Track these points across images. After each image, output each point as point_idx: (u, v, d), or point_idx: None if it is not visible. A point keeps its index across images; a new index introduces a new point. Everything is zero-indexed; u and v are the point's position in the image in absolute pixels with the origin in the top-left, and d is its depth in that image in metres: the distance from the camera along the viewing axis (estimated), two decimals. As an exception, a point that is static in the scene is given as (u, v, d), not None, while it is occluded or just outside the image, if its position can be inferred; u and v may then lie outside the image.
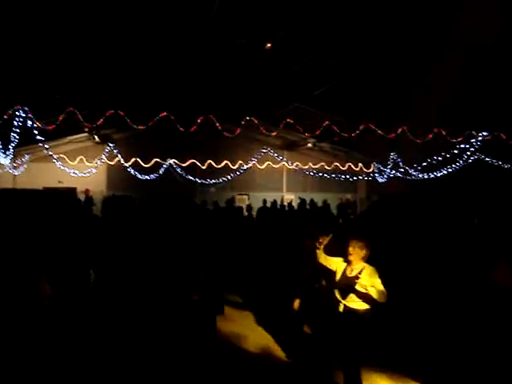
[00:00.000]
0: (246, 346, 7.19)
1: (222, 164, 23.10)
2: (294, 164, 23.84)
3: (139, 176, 21.81)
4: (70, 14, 15.09)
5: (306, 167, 24.46)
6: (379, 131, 19.44)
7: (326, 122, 19.56)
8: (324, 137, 20.84)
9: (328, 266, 5.83)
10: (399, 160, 20.80)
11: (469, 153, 19.87)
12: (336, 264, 5.75)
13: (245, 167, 22.66)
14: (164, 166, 22.06)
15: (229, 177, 22.82)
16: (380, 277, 5.31)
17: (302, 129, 20.13)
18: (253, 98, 20.66)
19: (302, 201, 16.93)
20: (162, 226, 8.69)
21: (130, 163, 21.59)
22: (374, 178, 22.61)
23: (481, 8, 14.18)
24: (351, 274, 5.52)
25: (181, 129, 18.65)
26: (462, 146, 19.91)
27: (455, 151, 19.81)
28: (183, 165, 22.44)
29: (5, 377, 5.44)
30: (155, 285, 6.84)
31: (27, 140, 16.99)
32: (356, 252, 5.49)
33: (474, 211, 15.70)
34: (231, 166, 23.18)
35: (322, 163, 24.81)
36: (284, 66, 19.41)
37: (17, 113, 15.31)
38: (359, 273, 5.42)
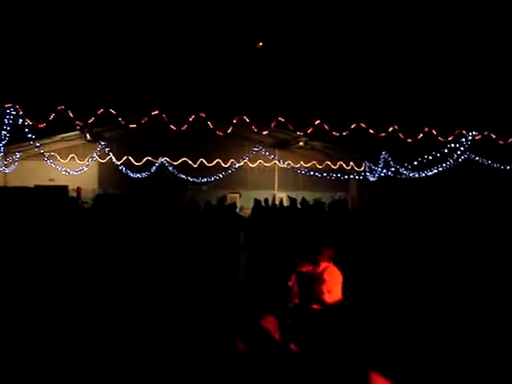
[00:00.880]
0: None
1: (214, 162, 23.16)
2: (286, 162, 23.92)
3: (131, 174, 21.78)
4: (62, 13, 15.09)
5: (298, 166, 24.56)
6: (370, 130, 19.55)
7: (318, 121, 19.63)
8: (315, 136, 20.91)
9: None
10: (390, 159, 20.91)
11: (459, 152, 20.00)
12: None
13: (236, 166, 22.70)
14: (156, 164, 22.05)
15: (220, 175, 22.83)
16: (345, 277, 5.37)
17: (293, 127, 20.19)
18: (244, 96, 20.70)
19: (292, 200, 16.95)
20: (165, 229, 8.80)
21: (121, 161, 21.58)
22: (365, 176, 22.70)
23: (469, 9, 14.33)
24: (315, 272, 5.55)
25: (172, 127, 18.69)
26: (453, 145, 20.05)
27: (446, 150, 19.95)
28: (175, 163, 22.45)
29: (5, 377, 5.47)
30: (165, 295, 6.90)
31: (18, 138, 16.95)
32: (323, 255, 5.53)
33: (463, 209, 15.86)
34: (223, 165, 23.24)
35: (314, 162, 24.92)
36: (275, 64, 19.47)
37: (7, 111, 15.26)
38: (322, 271, 5.45)
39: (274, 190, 26.33)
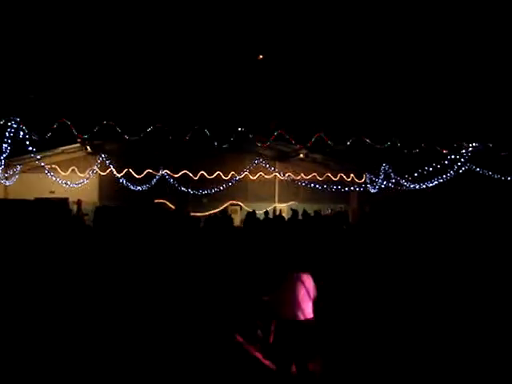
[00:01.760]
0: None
1: (215, 175, 23.14)
2: (286, 175, 23.90)
3: (131, 187, 21.75)
4: (65, 27, 15.19)
5: (298, 178, 24.54)
6: (370, 142, 19.57)
7: (318, 134, 19.66)
8: (316, 148, 20.93)
9: None
10: (390, 170, 20.91)
11: (459, 163, 20.02)
12: None
13: (237, 178, 22.67)
14: (156, 176, 22.03)
15: (221, 187, 22.80)
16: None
17: (293, 140, 20.21)
18: (245, 109, 20.77)
19: (294, 212, 16.93)
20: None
21: (122, 174, 21.56)
22: (365, 188, 22.67)
23: (470, 23, 14.42)
24: None
25: (173, 140, 18.73)
26: (453, 156, 20.07)
27: (446, 162, 19.96)
28: (175, 175, 22.43)
29: (5, 377, 5.43)
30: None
31: (19, 151, 16.97)
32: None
33: (464, 220, 15.85)
34: (223, 177, 23.22)
35: (314, 174, 24.90)
36: (276, 77, 19.56)
37: (9, 123, 15.29)
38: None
39: (274, 202, 26.30)
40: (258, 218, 16.74)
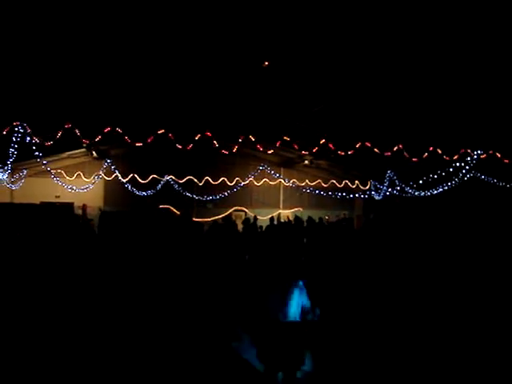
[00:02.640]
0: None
1: (219, 181, 23.22)
2: (291, 181, 23.93)
3: (136, 192, 21.84)
4: (70, 32, 15.31)
5: (303, 184, 24.57)
6: (375, 149, 19.56)
7: (323, 140, 19.68)
8: (321, 154, 20.94)
9: None
10: (395, 177, 20.88)
11: (464, 171, 19.97)
12: None
13: (242, 184, 22.71)
14: (161, 182, 22.12)
15: (226, 193, 22.85)
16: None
17: (298, 146, 20.24)
18: (250, 115, 20.83)
19: (298, 219, 16.95)
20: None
21: (127, 179, 21.66)
22: (370, 195, 22.66)
23: (475, 30, 14.43)
24: None
25: (178, 146, 18.80)
26: (458, 164, 20.02)
27: (451, 169, 19.92)
28: (180, 181, 22.52)
29: (5, 377, 5.46)
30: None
31: (25, 155, 17.08)
32: None
33: (469, 227, 15.80)
34: (228, 183, 23.29)
35: (319, 180, 24.95)
36: (281, 83, 19.61)
37: (15, 129, 15.40)
38: None
39: (279, 208, 26.33)
40: (256, 225, 16.75)
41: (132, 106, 19.11)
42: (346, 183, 24.31)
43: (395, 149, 19.61)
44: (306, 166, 24.34)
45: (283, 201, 26.71)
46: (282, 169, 25.91)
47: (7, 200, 21.54)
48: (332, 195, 22.88)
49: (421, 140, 19.89)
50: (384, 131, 20.02)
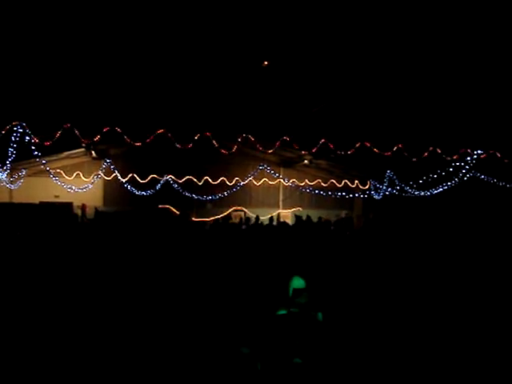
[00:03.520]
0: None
1: (219, 180, 23.22)
2: (291, 181, 23.92)
3: (136, 192, 21.83)
4: (70, 32, 15.29)
5: (303, 184, 24.57)
6: (375, 149, 19.55)
7: (323, 140, 19.66)
8: (320, 154, 20.93)
9: None
10: (395, 177, 20.87)
11: (464, 170, 19.96)
12: None
13: (241, 184, 22.70)
14: (161, 181, 22.11)
15: (225, 193, 22.84)
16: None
17: (298, 146, 20.22)
18: (250, 115, 20.81)
19: (298, 218, 16.94)
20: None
21: (126, 179, 21.65)
22: (370, 195, 22.65)
23: (477, 30, 14.42)
24: None
25: (178, 145, 18.78)
26: (458, 163, 20.01)
27: (451, 169, 19.91)
28: (180, 181, 22.51)
29: (5, 376, 5.44)
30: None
31: (24, 155, 17.05)
32: None
33: (469, 227, 15.80)
34: (227, 183, 23.29)
35: (319, 180, 24.94)
36: (280, 83, 19.59)
37: (14, 128, 15.38)
38: None
39: (278, 207, 26.33)
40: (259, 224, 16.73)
41: (131, 105, 19.08)
42: (345, 183, 24.32)
43: (395, 148, 19.60)
44: (305, 165, 24.33)
45: (283, 201, 26.70)
46: (281, 168, 25.91)
47: (6, 200, 21.54)
48: (331, 195, 22.88)
49: (420, 140, 19.87)
50: (384, 131, 20.01)
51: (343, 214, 25.10)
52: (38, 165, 19.40)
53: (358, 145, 19.46)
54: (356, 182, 23.95)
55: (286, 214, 25.36)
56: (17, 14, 14.31)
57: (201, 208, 24.18)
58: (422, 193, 21.14)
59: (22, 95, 17.13)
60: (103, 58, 16.89)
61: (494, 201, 20.00)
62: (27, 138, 15.90)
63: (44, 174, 20.48)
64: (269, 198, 26.23)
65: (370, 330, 7.27)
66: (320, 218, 19.67)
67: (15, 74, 16.58)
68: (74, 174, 22.89)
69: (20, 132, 15.66)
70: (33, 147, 16.48)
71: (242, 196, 24.89)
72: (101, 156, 22.54)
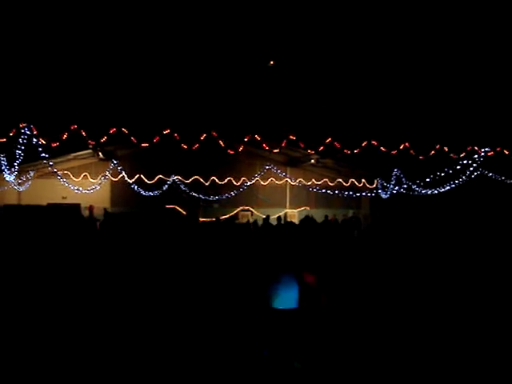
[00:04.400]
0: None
1: (226, 180, 23.22)
2: (297, 180, 23.87)
3: (143, 192, 21.87)
4: (78, 34, 15.36)
5: (309, 183, 24.53)
6: (382, 148, 19.49)
7: (329, 139, 19.60)
8: (327, 153, 20.86)
9: None
10: (402, 176, 20.79)
11: (472, 168, 19.87)
12: None
13: (248, 184, 22.67)
14: (168, 182, 22.13)
15: (232, 193, 22.83)
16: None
17: (304, 145, 20.17)
18: (256, 114, 20.80)
19: (306, 218, 16.87)
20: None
21: (133, 180, 21.69)
22: (377, 193, 22.56)
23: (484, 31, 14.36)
24: None
25: (184, 146, 18.80)
26: (465, 161, 19.92)
27: (458, 167, 19.82)
28: (187, 181, 22.52)
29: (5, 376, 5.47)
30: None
31: (32, 157, 17.13)
32: None
33: (476, 225, 15.73)
34: (234, 183, 23.28)
35: (325, 179, 24.88)
36: (287, 82, 19.58)
37: (22, 130, 15.44)
38: None
39: (285, 207, 26.28)
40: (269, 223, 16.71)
41: (138, 106, 19.13)
42: (352, 182, 24.24)
43: (402, 147, 19.53)
44: (312, 165, 24.27)
45: (290, 200, 26.65)
46: (288, 168, 25.84)
47: (15, 202, 21.64)
48: (339, 194, 22.81)
49: (427, 138, 19.79)
50: (390, 129, 19.94)
51: (351, 213, 25.03)
52: (46, 166, 19.46)
53: (364, 143, 19.40)
54: (363, 180, 23.86)
55: (293, 214, 25.30)
56: (25, 18, 14.39)
57: (208, 208, 24.19)
58: (430, 191, 21.05)
59: (29, 97, 17.21)
60: (110, 60, 16.94)
61: (502, 199, 19.88)
62: (35, 139, 15.97)
63: (51, 175, 20.55)
64: (276, 197, 26.17)
65: (377, 329, 7.25)
66: (326, 217, 19.62)
67: (22, 77, 16.66)
68: (82, 176, 22.98)
69: (27, 134, 15.73)
70: (40, 149, 16.55)
71: (249, 196, 24.86)
72: (108, 157, 22.59)
